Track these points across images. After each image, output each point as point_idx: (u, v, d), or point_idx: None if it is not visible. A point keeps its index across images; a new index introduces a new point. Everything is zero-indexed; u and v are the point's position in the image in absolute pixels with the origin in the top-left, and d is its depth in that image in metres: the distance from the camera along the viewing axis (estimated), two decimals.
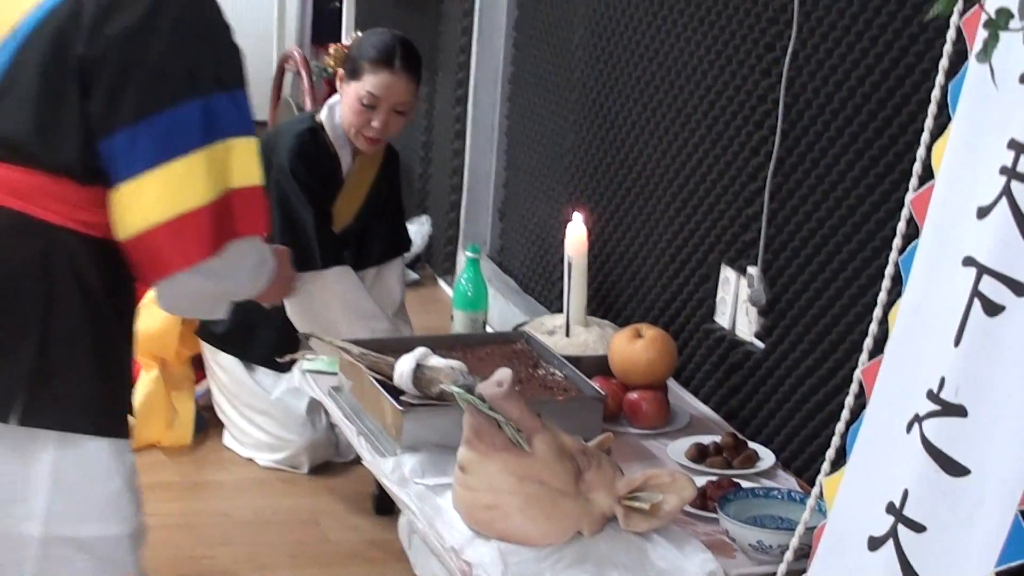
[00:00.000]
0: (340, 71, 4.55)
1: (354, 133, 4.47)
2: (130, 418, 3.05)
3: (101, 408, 2.95)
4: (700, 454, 3.72)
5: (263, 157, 3.04)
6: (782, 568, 3.27)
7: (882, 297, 3.09)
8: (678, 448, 3.75)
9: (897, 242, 3.08)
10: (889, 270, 3.08)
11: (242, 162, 2.93)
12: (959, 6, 2.87)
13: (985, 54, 2.45)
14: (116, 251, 2.88)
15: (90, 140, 2.84)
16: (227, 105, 2.92)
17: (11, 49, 2.93)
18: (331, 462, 4.99)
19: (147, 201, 2.84)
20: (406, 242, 5.04)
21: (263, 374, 4.92)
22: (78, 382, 2.89)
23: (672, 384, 4.08)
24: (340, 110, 4.53)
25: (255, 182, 2.94)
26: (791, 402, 3.77)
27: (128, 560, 3.06)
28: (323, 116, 4.58)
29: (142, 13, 2.83)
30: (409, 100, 4.50)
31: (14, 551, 2.97)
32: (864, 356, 3.11)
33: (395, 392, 3.61)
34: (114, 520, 3.01)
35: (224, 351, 4.85)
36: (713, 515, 3.41)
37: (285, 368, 4.54)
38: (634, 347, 3.96)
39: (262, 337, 4.81)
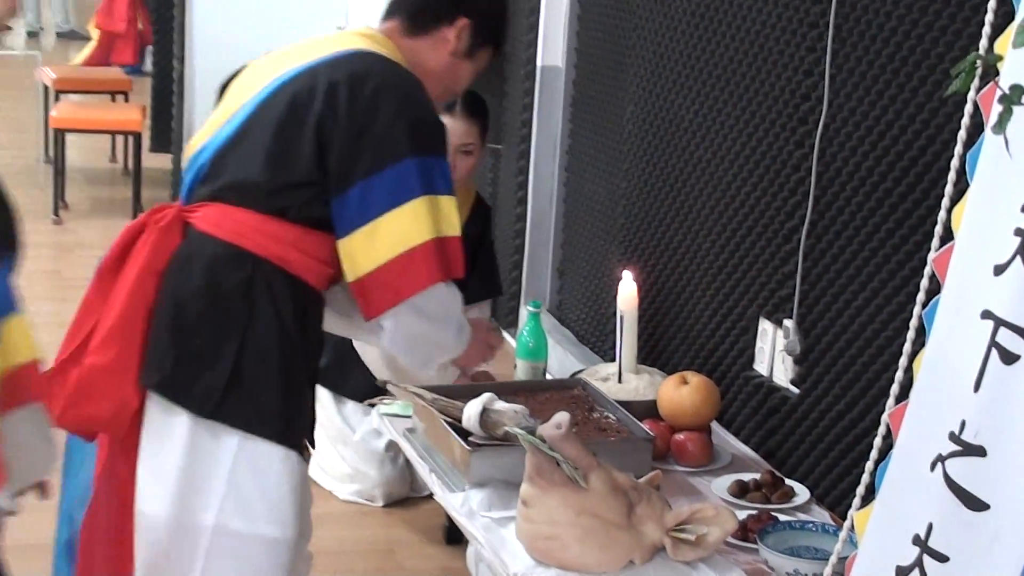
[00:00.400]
0: None
1: None
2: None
3: (281, 419, 3.12)
4: (741, 490, 3.70)
5: None
6: None
7: (907, 347, 3.07)
8: (721, 484, 3.73)
9: (920, 297, 3.06)
10: (913, 323, 3.06)
11: (448, 215, 3.18)
12: (976, 83, 2.86)
13: (1000, 126, 2.44)
14: (305, 286, 3.14)
15: (319, 192, 3.12)
16: (435, 166, 3.19)
17: (250, 108, 3.19)
18: (407, 496, 5.00)
19: (380, 242, 3.11)
20: (497, 286, 5.02)
21: (351, 411, 4.95)
22: (264, 392, 3.09)
23: (715, 426, 4.06)
24: None
25: (458, 234, 3.18)
26: (824, 443, 3.75)
27: (281, 563, 3.18)
28: None
29: (372, 91, 3.13)
30: (472, 141, 4.55)
31: (190, 538, 3.11)
32: (891, 401, 3.10)
33: (464, 433, 3.61)
34: (276, 523, 3.14)
35: (320, 385, 4.86)
36: (753, 546, 3.39)
37: (372, 406, 4.57)
38: (680, 393, 3.94)
39: (356, 375, 4.84)
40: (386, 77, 3.22)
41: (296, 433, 3.19)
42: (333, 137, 3.11)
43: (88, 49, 10.97)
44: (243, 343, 3.07)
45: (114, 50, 10.58)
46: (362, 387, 4.64)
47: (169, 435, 3.10)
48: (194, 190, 3.22)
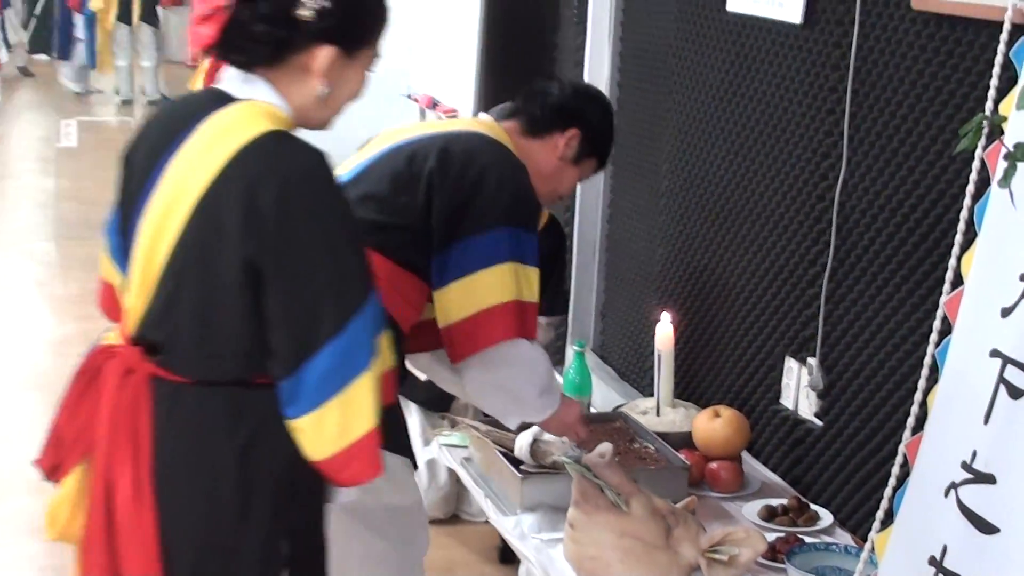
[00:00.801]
0: None
1: None
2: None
3: (392, 430, 2.69)
4: (770, 514, 3.69)
5: None
6: None
7: (921, 383, 3.05)
8: (751, 509, 3.72)
9: (933, 337, 3.05)
10: (927, 360, 3.04)
11: (530, 283, 3.19)
12: (982, 141, 2.85)
13: (1005, 181, 2.43)
14: (392, 320, 2.90)
15: (418, 241, 3.13)
16: (526, 239, 3.21)
17: (371, 159, 3.28)
18: (464, 521, 5.00)
19: (470, 296, 3.12)
20: (558, 305, 4.94)
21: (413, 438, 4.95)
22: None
23: (745, 456, 4.05)
24: None
25: (536, 301, 3.19)
26: (846, 470, 3.73)
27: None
28: None
29: (482, 164, 3.18)
30: None
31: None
32: (907, 432, 3.08)
33: (515, 462, 3.62)
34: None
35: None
36: (781, 566, 3.37)
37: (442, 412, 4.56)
38: (713, 425, 3.94)
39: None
40: (497, 156, 3.28)
41: (405, 442, 3.15)
42: (442, 195, 3.13)
43: None
44: None
45: None
46: (434, 397, 4.57)
47: None
48: None
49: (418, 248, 3.16)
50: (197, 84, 11.12)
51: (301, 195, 2.31)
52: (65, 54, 13.76)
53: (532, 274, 3.25)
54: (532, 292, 3.24)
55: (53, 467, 2.51)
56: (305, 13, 2.37)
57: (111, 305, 2.68)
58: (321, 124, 2.60)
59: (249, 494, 2.38)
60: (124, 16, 12.99)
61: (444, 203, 3.15)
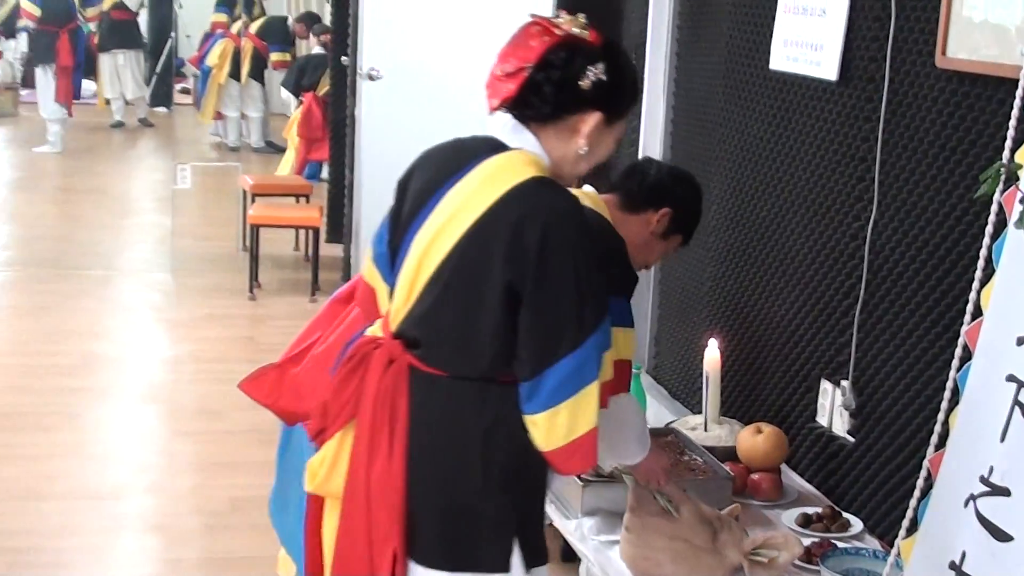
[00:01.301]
0: None
1: None
2: None
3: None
4: (806, 521, 3.67)
5: None
6: None
7: (944, 404, 3.04)
8: (789, 516, 3.70)
9: (955, 363, 3.03)
10: (949, 384, 3.03)
11: (628, 343, 3.06)
12: (1000, 186, 2.83)
13: (1021, 222, 2.42)
14: None
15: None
16: (626, 305, 3.07)
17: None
18: None
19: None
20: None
21: None
22: None
23: (784, 468, 4.03)
24: None
25: (631, 358, 3.12)
26: (875, 482, 3.70)
27: None
28: None
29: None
30: None
31: None
32: (931, 448, 3.06)
33: None
34: None
35: None
36: (816, 568, 3.36)
37: None
38: (756, 440, 3.94)
39: None
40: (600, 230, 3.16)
41: None
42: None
43: (291, 154, 11.30)
44: None
45: (313, 150, 10.99)
46: None
47: None
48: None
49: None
50: (292, 131, 11.30)
51: (558, 234, 2.44)
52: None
53: (631, 335, 3.20)
54: (630, 351, 3.19)
55: (318, 431, 2.66)
56: (586, 83, 2.51)
57: (370, 304, 2.81)
58: (571, 177, 2.69)
59: (489, 469, 2.52)
60: (234, 73, 13.14)
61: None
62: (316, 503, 2.84)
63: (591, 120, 2.56)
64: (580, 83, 2.53)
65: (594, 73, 2.53)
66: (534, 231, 2.43)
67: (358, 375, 2.61)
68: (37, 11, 13.05)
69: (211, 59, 13.29)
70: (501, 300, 2.47)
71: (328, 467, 2.64)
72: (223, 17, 13.44)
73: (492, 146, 2.58)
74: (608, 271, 2.66)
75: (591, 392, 2.48)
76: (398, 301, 2.62)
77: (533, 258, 2.42)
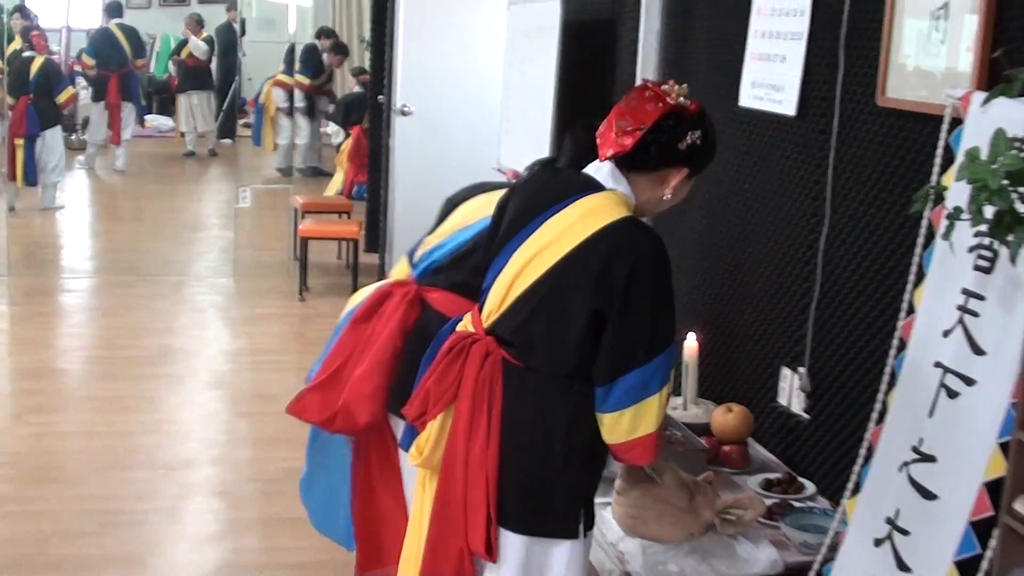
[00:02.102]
0: None
1: None
2: None
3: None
4: (768, 485, 3.70)
5: None
6: (819, 558, 3.24)
7: (883, 387, 3.07)
8: (754, 481, 3.73)
9: (892, 352, 3.07)
10: (887, 370, 3.06)
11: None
12: (930, 205, 2.87)
13: (947, 235, 2.45)
14: None
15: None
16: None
17: (473, 231, 3.00)
18: None
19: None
20: None
21: None
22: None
23: (750, 441, 4.05)
24: None
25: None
26: (825, 452, 3.73)
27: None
28: None
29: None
30: None
31: None
32: (872, 424, 3.10)
33: None
34: None
35: None
36: (776, 524, 3.39)
37: None
38: (727, 418, 3.96)
39: None
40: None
41: None
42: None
43: (339, 177, 11.42)
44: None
45: (360, 174, 11.10)
46: None
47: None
48: (428, 274, 3.07)
49: None
50: (343, 158, 11.35)
51: (644, 271, 2.49)
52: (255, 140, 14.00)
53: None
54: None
55: (419, 415, 2.69)
56: (683, 146, 2.57)
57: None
58: (651, 214, 2.78)
59: (569, 452, 2.57)
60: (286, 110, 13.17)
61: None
62: (364, 486, 2.91)
63: (680, 174, 2.63)
64: (679, 145, 2.58)
65: (692, 138, 2.59)
66: (623, 267, 2.47)
67: (458, 364, 2.64)
68: (92, 61, 13.70)
69: (263, 97, 13.34)
70: (587, 321, 2.52)
71: (432, 444, 2.66)
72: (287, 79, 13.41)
73: (591, 184, 2.61)
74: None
75: (653, 402, 2.55)
76: (492, 304, 2.65)
77: (620, 290, 2.47)
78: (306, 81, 13.09)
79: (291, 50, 12.67)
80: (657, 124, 2.56)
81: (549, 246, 2.56)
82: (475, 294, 2.82)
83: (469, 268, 2.96)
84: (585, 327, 2.53)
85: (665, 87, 2.62)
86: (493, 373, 2.59)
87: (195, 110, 14.63)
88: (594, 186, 2.61)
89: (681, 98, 2.61)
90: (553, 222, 2.58)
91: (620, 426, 2.57)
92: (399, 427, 3.01)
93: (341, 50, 13.49)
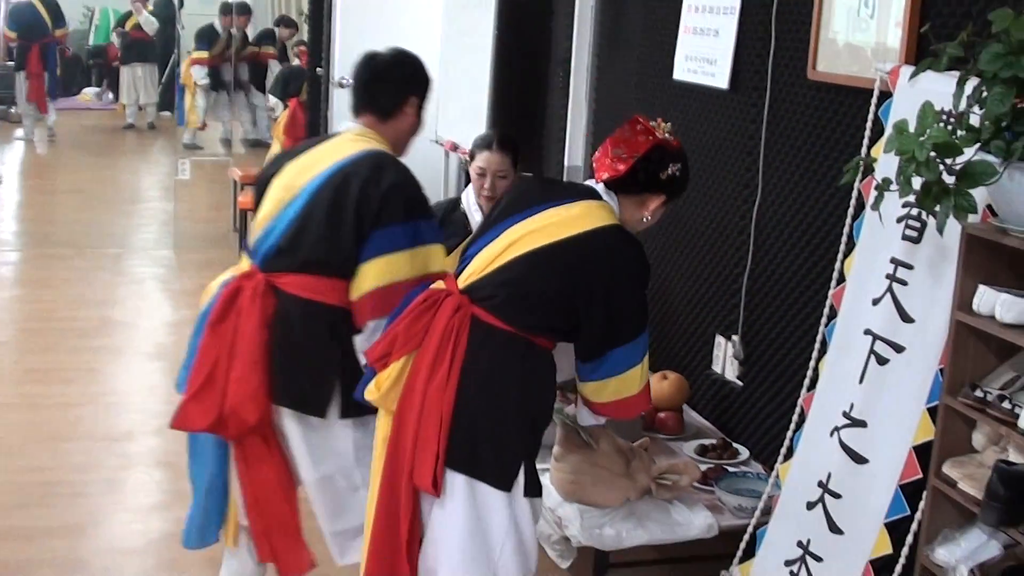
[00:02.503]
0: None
1: (476, 196, 4.08)
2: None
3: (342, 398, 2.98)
4: (703, 450, 3.72)
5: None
6: (753, 521, 3.27)
7: (815, 354, 3.10)
8: (689, 447, 3.75)
9: (823, 320, 3.09)
10: (819, 337, 3.09)
11: (438, 258, 2.98)
12: (859, 176, 2.89)
13: (875, 206, 2.47)
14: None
15: (357, 244, 2.88)
16: (427, 226, 2.95)
17: (301, 202, 2.98)
18: None
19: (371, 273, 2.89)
20: None
21: None
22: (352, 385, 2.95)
23: (686, 408, 4.07)
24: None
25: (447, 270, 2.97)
26: (759, 418, 3.76)
27: None
28: (463, 194, 4.20)
29: (392, 181, 2.89)
30: (506, 168, 4.03)
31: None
32: (804, 390, 3.12)
33: None
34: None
35: None
36: (711, 488, 3.41)
37: None
38: (662, 385, 3.96)
39: None
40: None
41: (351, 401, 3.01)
42: (364, 210, 2.90)
43: (276, 149, 11.21)
44: (342, 362, 2.96)
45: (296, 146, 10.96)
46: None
47: (294, 432, 3.02)
48: (270, 260, 3.00)
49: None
50: (279, 130, 11.23)
51: (628, 271, 2.78)
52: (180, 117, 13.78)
53: (437, 249, 3.05)
54: (441, 264, 3.07)
55: (382, 356, 2.78)
56: (665, 176, 2.86)
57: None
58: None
59: (519, 408, 2.71)
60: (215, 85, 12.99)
61: (370, 213, 2.92)
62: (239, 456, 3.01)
63: (658, 200, 2.88)
64: (661, 175, 2.86)
65: (673, 169, 2.87)
66: (609, 263, 2.75)
67: (429, 314, 2.75)
68: (13, 33, 13.62)
69: (184, 77, 13.12)
70: (569, 294, 2.73)
71: (391, 383, 2.75)
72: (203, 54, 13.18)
73: (592, 192, 2.87)
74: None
75: (637, 370, 2.82)
76: (473, 268, 2.81)
77: (606, 281, 2.73)
78: (205, 55, 12.93)
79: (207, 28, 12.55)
80: (647, 155, 2.85)
81: (546, 228, 2.78)
82: (330, 270, 2.90)
83: (311, 242, 2.93)
84: (566, 297, 2.72)
85: (653, 123, 2.91)
86: (461, 325, 2.70)
87: (138, 82, 14.43)
88: (594, 195, 2.87)
89: (666, 134, 2.90)
90: (553, 211, 2.81)
91: (606, 390, 2.82)
92: (282, 415, 3.00)
93: (244, 9, 13.25)
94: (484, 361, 2.70)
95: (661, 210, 2.93)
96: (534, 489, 2.76)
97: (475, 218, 4.08)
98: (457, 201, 4.18)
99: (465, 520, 2.69)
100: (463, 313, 2.72)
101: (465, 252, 2.93)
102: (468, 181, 4.17)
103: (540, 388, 2.77)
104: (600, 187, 2.89)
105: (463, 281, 2.81)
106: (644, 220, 2.92)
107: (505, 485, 2.69)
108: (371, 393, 2.80)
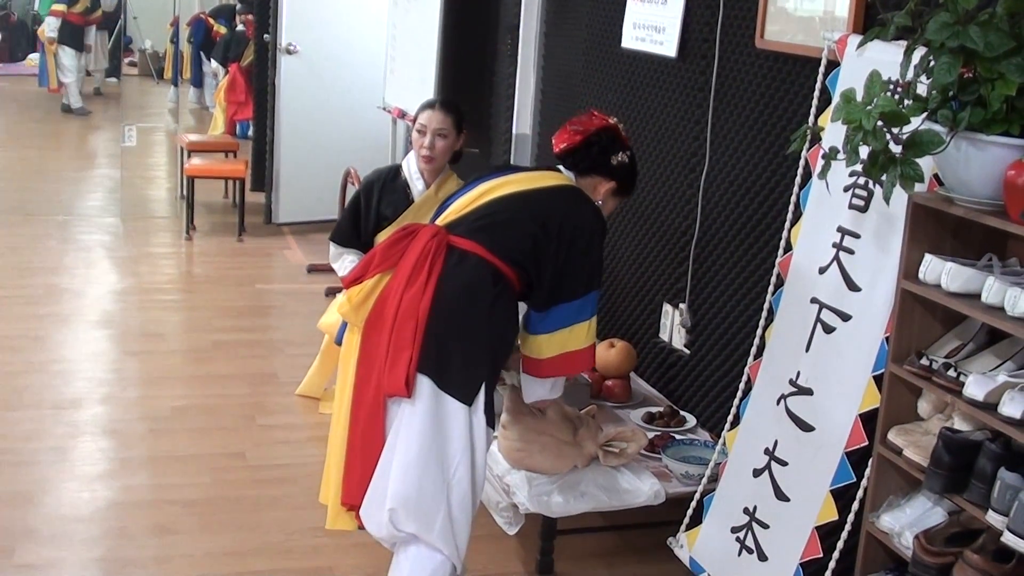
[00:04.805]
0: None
1: (416, 157, 4.01)
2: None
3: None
4: (650, 418, 3.72)
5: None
6: (700, 488, 3.27)
7: (762, 322, 3.09)
8: (637, 415, 3.75)
9: (770, 288, 3.08)
10: (766, 306, 3.08)
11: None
12: (807, 145, 2.88)
13: (823, 175, 2.46)
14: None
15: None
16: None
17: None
18: None
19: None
20: None
21: None
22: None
23: (633, 376, 4.07)
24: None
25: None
26: (706, 386, 3.76)
27: None
28: (404, 161, 4.12)
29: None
30: (447, 128, 3.96)
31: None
32: (751, 358, 3.12)
33: None
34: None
35: None
36: (658, 456, 3.41)
37: None
38: (610, 353, 3.96)
39: None
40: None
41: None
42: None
43: (219, 116, 11.07)
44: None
45: (239, 112, 10.82)
46: None
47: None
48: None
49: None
50: (220, 96, 11.07)
51: (588, 221, 2.93)
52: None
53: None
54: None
55: (357, 277, 2.91)
56: (615, 161, 3.06)
57: None
58: None
59: (489, 325, 2.82)
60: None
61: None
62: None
63: (608, 185, 3.07)
64: (612, 159, 3.06)
65: (622, 156, 3.07)
66: (573, 211, 2.91)
67: (407, 240, 2.89)
68: None
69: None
70: (535, 232, 2.86)
71: (363, 297, 2.87)
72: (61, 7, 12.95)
73: (556, 168, 3.08)
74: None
75: (584, 326, 2.93)
76: (451, 211, 2.98)
77: (568, 237, 2.87)
78: (63, 8, 12.72)
79: None
80: (599, 132, 3.06)
81: (518, 181, 2.99)
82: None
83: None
84: (528, 228, 2.86)
85: (609, 118, 3.14)
86: (437, 248, 2.84)
87: (91, 49, 14.17)
88: (558, 170, 3.07)
89: (621, 126, 3.13)
90: (523, 174, 3.05)
91: (552, 343, 2.93)
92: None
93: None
94: (459, 278, 2.82)
95: (612, 201, 3.11)
96: (489, 418, 2.84)
97: (416, 186, 4.03)
98: (398, 168, 4.11)
99: (428, 420, 2.76)
100: (440, 239, 2.87)
101: (442, 206, 3.08)
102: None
103: (505, 318, 2.87)
104: (561, 169, 3.07)
105: (440, 222, 2.97)
106: (596, 204, 3.05)
107: (467, 399, 2.78)
108: (342, 307, 2.91)
